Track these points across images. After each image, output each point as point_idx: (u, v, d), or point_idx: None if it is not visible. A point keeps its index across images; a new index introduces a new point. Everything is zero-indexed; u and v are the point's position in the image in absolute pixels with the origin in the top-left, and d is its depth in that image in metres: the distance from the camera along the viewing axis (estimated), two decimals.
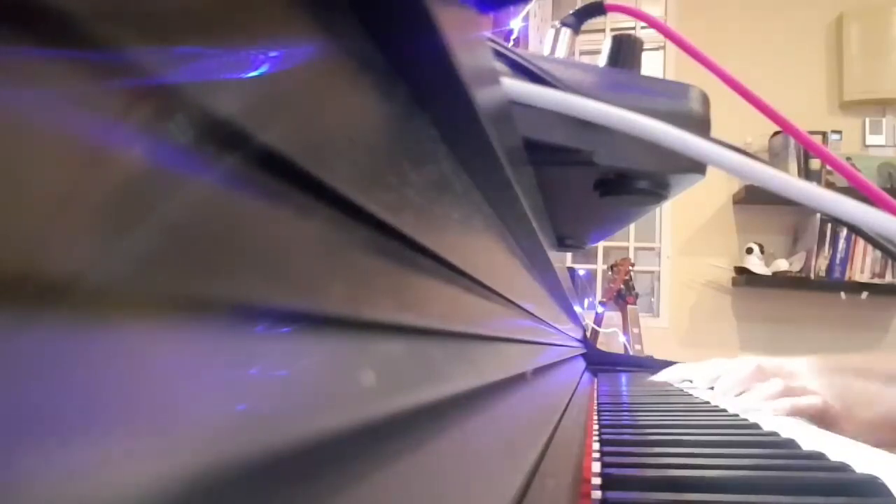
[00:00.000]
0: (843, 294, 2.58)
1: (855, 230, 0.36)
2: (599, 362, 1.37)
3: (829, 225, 2.53)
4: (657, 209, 0.81)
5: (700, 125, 0.39)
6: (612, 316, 2.26)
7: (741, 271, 2.65)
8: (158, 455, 0.07)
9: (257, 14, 0.09)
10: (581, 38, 0.52)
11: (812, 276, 2.57)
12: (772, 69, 2.57)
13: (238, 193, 0.09)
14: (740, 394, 0.80)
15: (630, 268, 2.31)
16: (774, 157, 2.56)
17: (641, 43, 0.45)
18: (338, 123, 0.12)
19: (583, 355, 1.32)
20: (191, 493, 0.07)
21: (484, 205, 0.27)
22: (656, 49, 2.74)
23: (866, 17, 2.67)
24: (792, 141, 2.43)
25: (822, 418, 0.72)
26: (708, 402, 0.78)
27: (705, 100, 0.40)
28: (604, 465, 0.39)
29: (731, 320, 2.72)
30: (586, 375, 1.10)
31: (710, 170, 0.38)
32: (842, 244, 2.56)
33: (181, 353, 0.08)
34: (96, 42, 0.06)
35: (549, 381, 0.56)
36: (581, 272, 2.33)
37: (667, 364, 1.19)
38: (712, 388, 0.88)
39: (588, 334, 1.79)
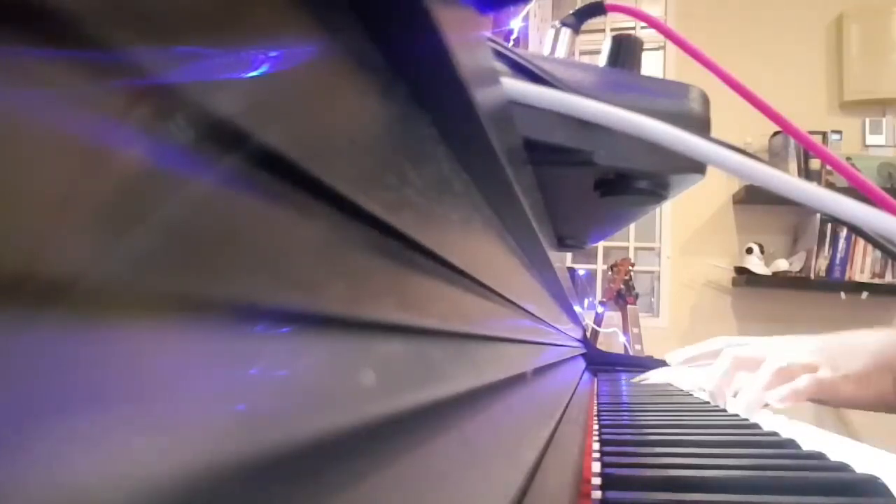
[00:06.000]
0: (843, 294, 2.57)
1: (855, 230, 0.36)
2: (599, 362, 1.37)
3: (829, 225, 2.52)
4: (657, 209, 0.81)
5: (700, 125, 0.39)
6: (612, 316, 2.26)
7: (741, 271, 2.65)
8: (158, 455, 0.07)
9: (257, 14, 0.09)
10: (581, 38, 0.52)
11: (812, 276, 2.57)
12: (772, 69, 2.57)
13: (238, 193, 0.09)
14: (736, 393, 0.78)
15: (630, 268, 2.31)
16: (774, 157, 2.56)
17: (641, 43, 0.45)
18: (337, 123, 0.12)
19: (583, 355, 1.32)
20: (191, 493, 0.07)
21: (484, 205, 0.27)
22: (656, 49, 2.74)
23: (866, 17, 2.67)
24: (792, 141, 2.43)
25: (822, 391, 0.69)
26: (707, 402, 0.78)
27: (705, 100, 0.40)
28: (604, 465, 0.39)
29: (731, 320, 2.71)
30: (586, 375, 1.10)
31: (710, 170, 0.38)
32: (842, 244, 2.56)
33: (181, 352, 0.08)
34: (96, 42, 0.06)
35: (549, 381, 0.55)
36: (581, 272, 2.32)
37: (666, 364, 1.19)
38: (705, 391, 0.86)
39: (588, 334, 1.79)
